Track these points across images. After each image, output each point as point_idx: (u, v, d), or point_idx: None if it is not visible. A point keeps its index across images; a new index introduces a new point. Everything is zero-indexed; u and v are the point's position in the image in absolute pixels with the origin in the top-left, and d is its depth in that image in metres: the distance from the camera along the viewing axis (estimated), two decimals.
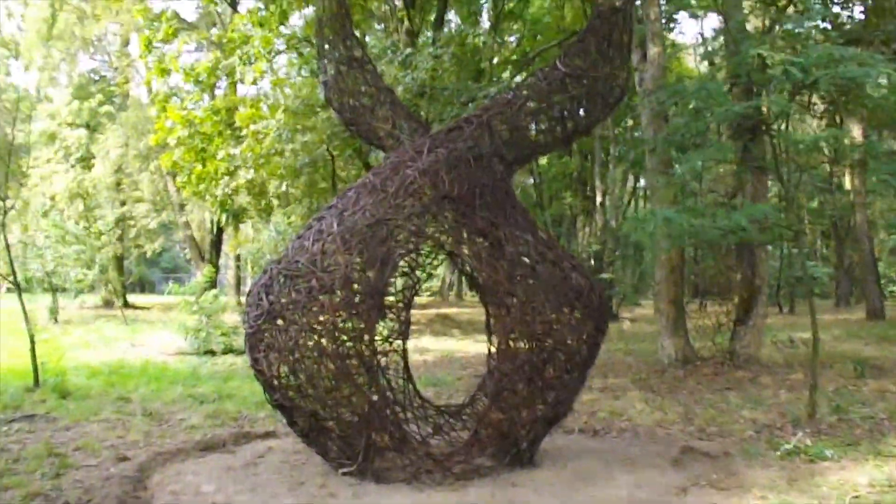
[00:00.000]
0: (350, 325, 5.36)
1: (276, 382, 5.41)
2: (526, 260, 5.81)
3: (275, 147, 15.36)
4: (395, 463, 5.51)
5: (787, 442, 6.63)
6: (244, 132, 15.87)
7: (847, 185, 27.53)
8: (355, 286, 5.38)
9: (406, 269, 6.79)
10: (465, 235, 5.75)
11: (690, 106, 8.94)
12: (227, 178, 17.26)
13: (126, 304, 28.64)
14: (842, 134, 7.41)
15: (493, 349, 6.75)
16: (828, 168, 25.43)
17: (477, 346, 16.87)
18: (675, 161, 10.13)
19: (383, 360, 6.68)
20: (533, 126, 6.32)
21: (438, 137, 6.11)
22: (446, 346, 17.08)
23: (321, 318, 5.33)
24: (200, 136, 18.09)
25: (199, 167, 18.36)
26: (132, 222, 28.27)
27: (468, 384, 11.20)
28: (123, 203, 28.60)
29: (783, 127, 9.11)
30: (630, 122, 29.63)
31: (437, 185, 5.75)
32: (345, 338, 5.33)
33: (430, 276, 6.85)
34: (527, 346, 5.63)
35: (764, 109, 8.79)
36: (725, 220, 7.14)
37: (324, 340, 5.29)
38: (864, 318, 24.89)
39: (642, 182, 35.05)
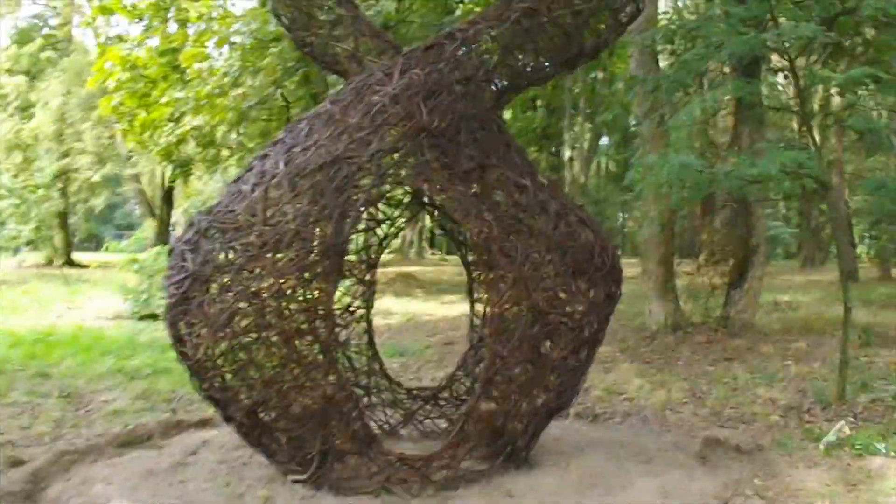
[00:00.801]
0: (301, 293, 4.13)
1: (205, 368, 4.17)
2: (524, 211, 4.61)
3: (220, 87, 13.87)
4: (360, 470, 4.32)
5: (823, 431, 5.60)
6: (191, 75, 14.34)
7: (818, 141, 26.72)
8: (307, 243, 4.13)
9: (370, 223, 5.56)
10: (446, 180, 4.51)
11: (695, 41, 7.75)
12: (171, 124, 15.73)
13: (70, 263, 26.93)
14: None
15: (478, 321, 5.59)
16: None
17: (443, 309, 15.71)
18: (675, 103, 8.89)
19: (342, 334, 5.49)
20: (530, 46, 5.06)
21: (413, 57, 4.82)
22: (410, 308, 15.87)
23: (263, 285, 4.09)
24: (144, 80, 16.47)
25: (142, 114, 16.77)
26: (75, 175, 26.41)
27: (439, 353, 10.06)
28: (66, 155, 26.69)
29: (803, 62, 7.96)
30: (600, 75, 28.39)
31: (411, 114, 4.49)
32: (294, 308, 4.09)
33: (398, 231, 5.60)
34: (526, 320, 4.45)
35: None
36: (751, 167, 5.98)
37: (267, 313, 4.06)
38: (838, 280, 24.34)
39: (605, 140, 33.95)
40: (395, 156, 4.44)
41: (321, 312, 4.11)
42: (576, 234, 4.76)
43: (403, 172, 4.45)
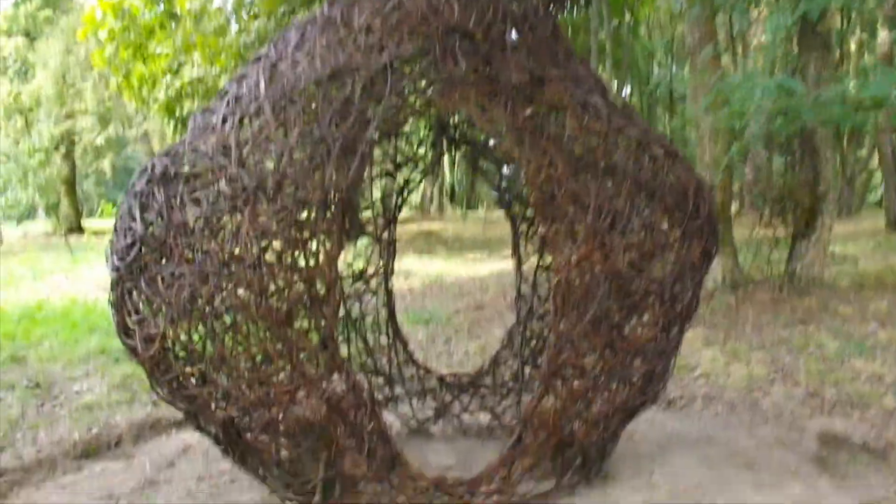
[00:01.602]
0: (292, 259, 2.95)
1: (161, 367, 3.01)
2: (596, 141, 3.38)
3: (217, 28, 12.54)
4: (381, 500, 3.16)
5: None
6: (185, 16, 13.06)
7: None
8: (299, 190, 2.95)
9: (386, 165, 4.37)
10: (489, 98, 3.27)
11: None
12: (169, 76, 14.49)
13: (79, 230, 25.93)
14: None
15: (526, 288, 4.41)
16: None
17: (469, 268, 14.53)
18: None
19: (356, 308, 4.33)
20: None
21: None
22: (433, 268, 14.65)
23: (238, 250, 2.91)
24: (138, 30, 15.18)
25: (139, 67, 15.51)
26: (77, 137, 25.24)
27: (469, 320, 8.89)
28: (70, 116, 25.49)
29: None
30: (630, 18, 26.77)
31: (437, 10, 3.26)
32: (282, 280, 2.92)
33: (423, 175, 4.39)
34: (603, 290, 3.24)
35: None
36: (864, 89, 4.69)
37: (242, 290, 2.88)
38: (885, 229, 22.93)
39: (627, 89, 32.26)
40: (418, 66, 3.20)
41: (321, 286, 2.93)
42: (664, 171, 3.53)
43: (430, 89, 3.21)
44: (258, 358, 2.91)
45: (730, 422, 4.78)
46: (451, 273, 13.86)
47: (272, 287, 2.89)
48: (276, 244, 2.94)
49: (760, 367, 6.07)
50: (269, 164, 3.02)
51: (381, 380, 4.45)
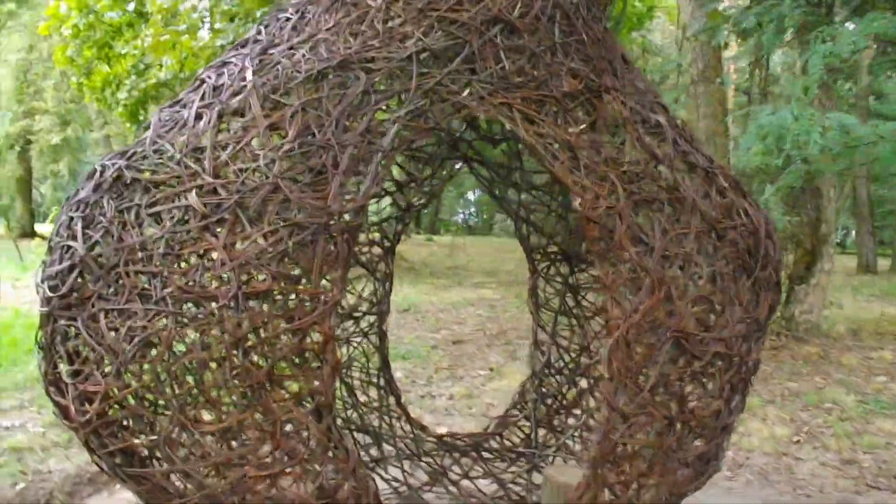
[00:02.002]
0: (280, 299, 2.25)
1: (103, 436, 2.27)
2: (661, 166, 2.74)
3: (190, 26, 11.76)
4: None
5: None
6: (155, 13, 12.27)
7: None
8: (292, 211, 2.26)
9: (396, 181, 3.71)
10: (536, 107, 2.61)
11: None
12: (134, 77, 13.65)
13: (32, 235, 24.74)
14: None
15: (545, 336, 3.76)
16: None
17: (440, 296, 13.82)
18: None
19: (342, 351, 3.64)
20: None
21: None
22: (403, 294, 13.92)
23: (210, 284, 2.21)
24: (105, 28, 14.33)
25: (103, 68, 14.64)
26: (35, 137, 24.09)
27: (449, 356, 8.20)
28: (28, 115, 24.35)
29: None
30: None
31: None
32: (263, 334, 2.21)
33: (430, 197, 3.73)
34: (666, 352, 2.59)
35: None
36: None
37: (215, 336, 2.18)
38: (856, 271, 22.82)
39: None
40: (448, 59, 2.53)
41: (316, 338, 2.23)
42: (734, 207, 2.91)
43: (464, 90, 2.54)
44: (231, 430, 2.20)
45: (769, 496, 4.15)
46: (423, 301, 13.16)
47: (252, 337, 2.19)
48: (260, 279, 2.25)
49: (781, 426, 5.48)
50: (255, 175, 2.33)
51: (368, 436, 3.74)
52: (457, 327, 10.34)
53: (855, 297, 14.56)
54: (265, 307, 2.20)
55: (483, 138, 3.72)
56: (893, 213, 28.34)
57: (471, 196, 57.75)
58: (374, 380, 3.74)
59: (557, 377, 3.83)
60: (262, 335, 2.18)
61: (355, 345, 3.68)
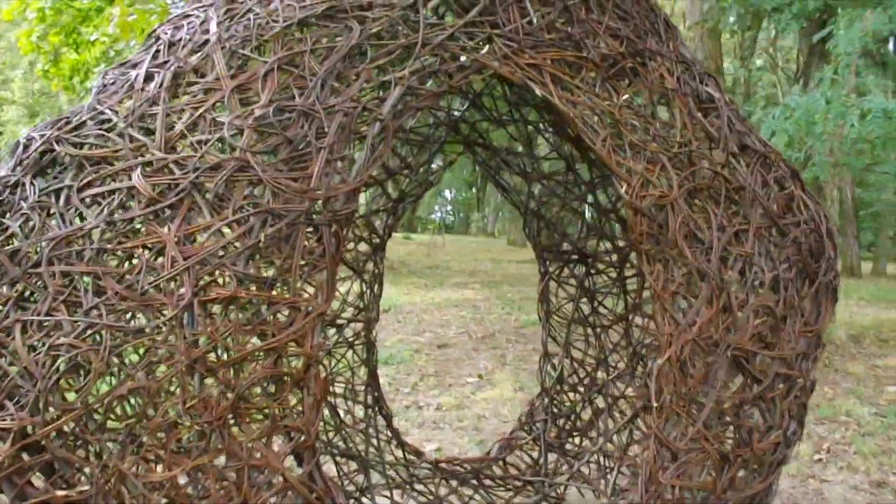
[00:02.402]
0: (249, 310, 1.75)
1: (16, 482, 1.75)
2: (716, 150, 2.27)
3: (156, 2, 11.21)
4: None
5: None
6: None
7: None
8: (265, 196, 1.76)
9: (386, 167, 3.22)
10: (572, 71, 2.12)
11: None
12: (103, 65, 13.03)
13: None
14: None
15: (557, 350, 3.29)
16: None
17: (421, 296, 13.32)
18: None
19: (325, 364, 3.15)
20: None
21: None
22: (384, 294, 13.36)
23: (154, 288, 1.70)
24: (73, 12, 13.67)
25: (71, 55, 13.98)
26: (1, 129, 23.24)
27: (434, 361, 7.70)
28: None
29: None
30: None
31: None
32: (232, 353, 1.70)
33: (424, 189, 3.23)
34: (723, 373, 2.12)
35: None
36: None
37: (160, 357, 1.67)
38: (842, 275, 22.64)
39: None
40: (465, 14, 2.04)
41: (296, 361, 1.73)
42: (795, 199, 2.44)
43: (483, 47, 2.04)
44: (181, 478, 1.69)
45: None
46: (404, 301, 12.64)
47: (211, 358, 1.69)
48: (223, 282, 1.75)
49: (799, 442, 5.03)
50: (218, 149, 1.83)
51: (352, 461, 3.23)
52: (441, 330, 9.85)
53: (846, 301, 14.25)
54: (229, 319, 1.69)
55: (489, 119, 3.23)
56: (875, 217, 28.22)
57: (447, 195, 57.42)
58: (361, 397, 3.24)
59: (571, 394, 3.35)
60: (225, 356, 1.68)
61: (339, 357, 3.17)
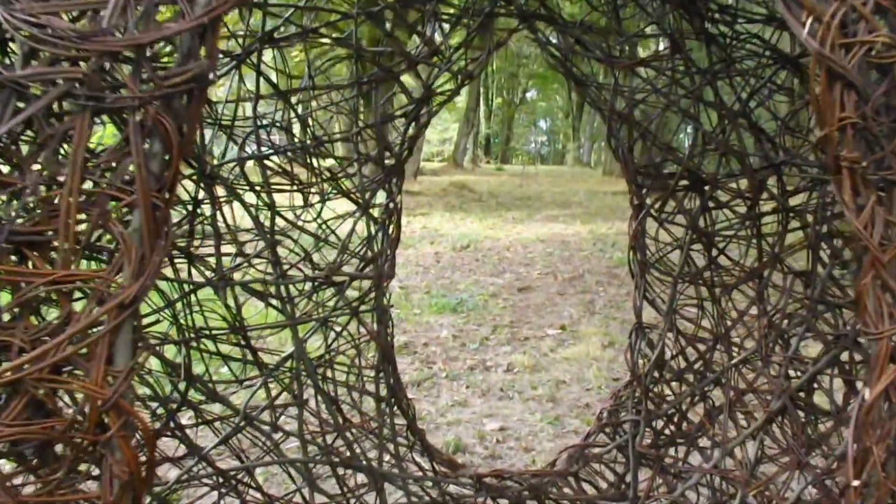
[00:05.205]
0: None
1: None
2: None
3: None
4: None
5: None
6: None
7: None
8: None
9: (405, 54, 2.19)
10: None
11: None
12: None
13: None
14: None
15: (657, 319, 2.22)
16: None
17: (507, 231, 12.30)
18: None
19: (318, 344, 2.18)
20: None
21: None
22: (465, 229, 12.37)
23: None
24: None
25: None
26: None
27: (511, 307, 6.72)
28: None
29: None
30: None
31: None
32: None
33: (448, 99, 2.15)
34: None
35: None
36: None
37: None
38: None
39: None
40: None
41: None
42: None
43: None
44: None
45: None
46: (488, 237, 11.62)
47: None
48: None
49: None
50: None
51: (360, 476, 2.30)
52: (523, 269, 8.83)
53: None
54: None
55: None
56: None
57: (542, 124, 55.61)
58: (371, 387, 2.28)
59: (674, 385, 2.30)
60: None
61: (337, 329, 2.21)
